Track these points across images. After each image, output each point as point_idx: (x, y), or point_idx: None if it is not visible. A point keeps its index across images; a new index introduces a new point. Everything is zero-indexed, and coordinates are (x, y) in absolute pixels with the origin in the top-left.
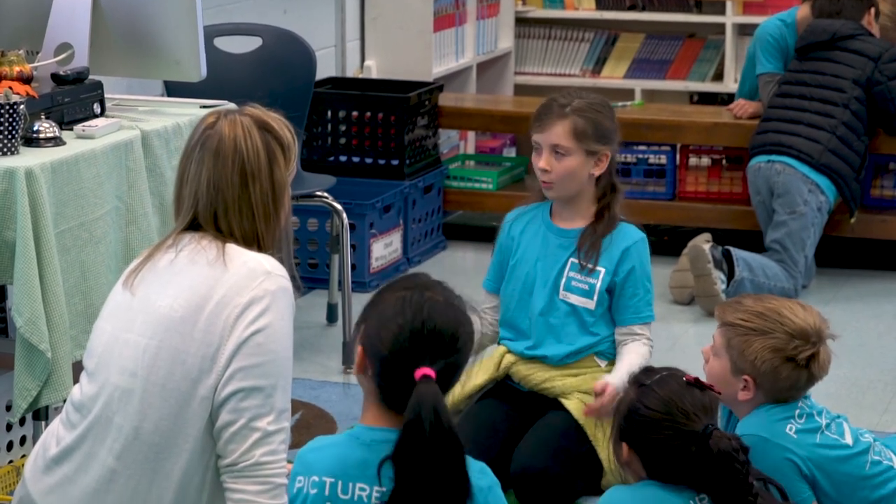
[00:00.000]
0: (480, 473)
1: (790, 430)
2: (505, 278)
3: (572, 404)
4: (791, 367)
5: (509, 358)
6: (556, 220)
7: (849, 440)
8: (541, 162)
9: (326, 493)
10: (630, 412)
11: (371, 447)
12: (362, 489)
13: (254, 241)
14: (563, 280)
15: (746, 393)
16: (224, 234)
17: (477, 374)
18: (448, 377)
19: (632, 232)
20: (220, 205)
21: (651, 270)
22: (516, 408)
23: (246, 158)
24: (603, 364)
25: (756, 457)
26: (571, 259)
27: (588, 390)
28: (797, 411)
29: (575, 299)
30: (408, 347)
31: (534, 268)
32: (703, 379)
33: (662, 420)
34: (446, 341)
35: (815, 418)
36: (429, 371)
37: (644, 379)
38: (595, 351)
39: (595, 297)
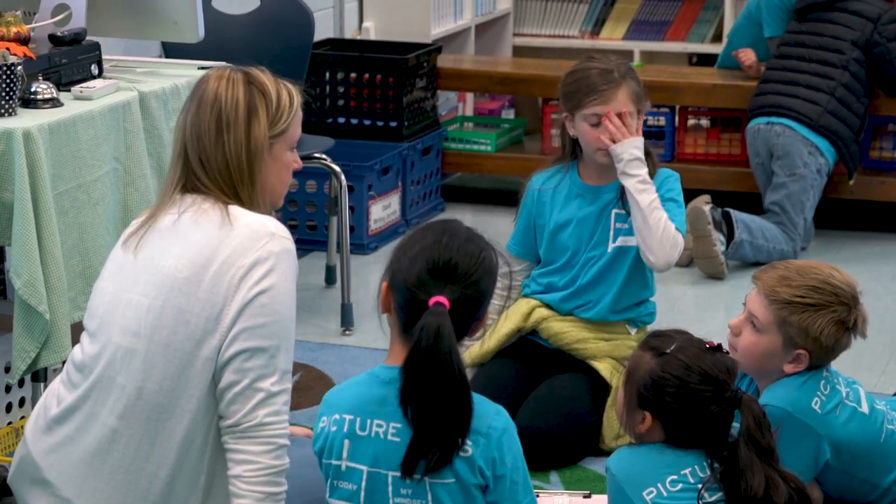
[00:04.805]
0: (496, 415)
1: (816, 404)
2: (545, 246)
3: (603, 366)
4: (848, 335)
5: (542, 312)
6: (586, 180)
7: (865, 408)
8: None
9: (346, 429)
10: (654, 381)
11: (389, 385)
12: (379, 425)
13: (234, 197)
14: (612, 233)
15: (797, 365)
16: (211, 188)
17: (503, 323)
18: (466, 309)
19: (663, 170)
20: (202, 153)
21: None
22: (529, 367)
23: (223, 107)
24: (633, 332)
25: (779, 429)
26: (614, 210)
27: (619, 357)
28: (822, 382)
29: (628, 240)
30: (424, 276)
31: (575, 231)
32: (720, 347)
33: (690, 386)
34: (461, 272)
35: (837, 388)
36: (441, 299)
37: (661, 346)
38: (628, 317)
39: None
